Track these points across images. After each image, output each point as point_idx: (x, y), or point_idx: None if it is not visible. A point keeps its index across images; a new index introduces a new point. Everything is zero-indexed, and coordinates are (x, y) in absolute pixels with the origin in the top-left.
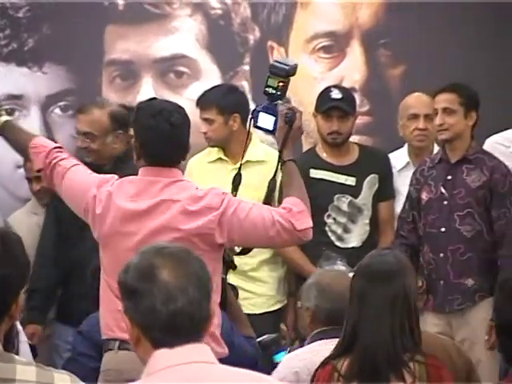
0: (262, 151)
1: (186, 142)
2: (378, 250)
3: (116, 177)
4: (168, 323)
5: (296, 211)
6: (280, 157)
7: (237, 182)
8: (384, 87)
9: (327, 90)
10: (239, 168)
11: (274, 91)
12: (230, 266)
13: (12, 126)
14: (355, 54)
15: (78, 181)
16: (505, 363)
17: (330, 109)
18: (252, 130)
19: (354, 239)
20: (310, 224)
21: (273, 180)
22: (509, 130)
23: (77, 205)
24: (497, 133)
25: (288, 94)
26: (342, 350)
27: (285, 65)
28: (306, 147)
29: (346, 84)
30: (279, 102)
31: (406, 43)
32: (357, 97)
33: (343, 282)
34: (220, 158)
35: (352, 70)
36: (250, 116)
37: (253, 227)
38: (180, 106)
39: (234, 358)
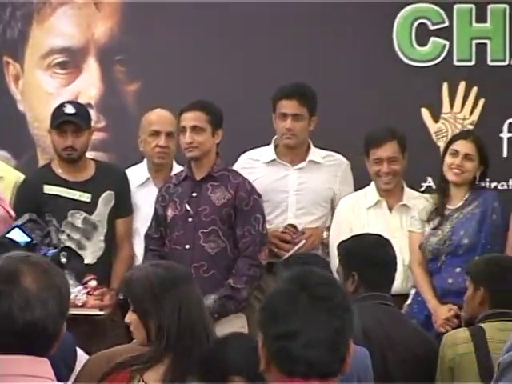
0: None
1: None
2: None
3: None
4: (21, 331)
5: None
6: None
7: None
8: (120, 103)
9: (61, 105)
10: None
11: None
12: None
13: None
14: (91, 69)
15: None
16: None
17: (63, 123)
18: None
19: (89, 256)
20: None
21: None
22: (264, 147)
23: None
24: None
25: (23, 109)
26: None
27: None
28: (41, 163)
29: (81, 100)
30: None
31: (141, 59)
32: (93, 113)
33: None
34: None
35: (88, 85)
36: None
37: None
38: None
39: None
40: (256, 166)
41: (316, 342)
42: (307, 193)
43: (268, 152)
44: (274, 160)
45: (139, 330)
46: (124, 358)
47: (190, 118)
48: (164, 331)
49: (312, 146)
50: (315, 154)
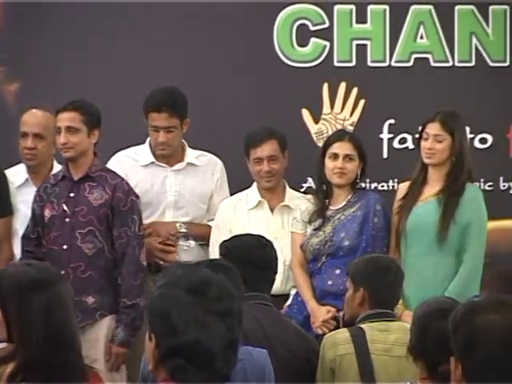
0: None
1: None
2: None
3: None
4: None
5: None
6: None
7: None
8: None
9: None
10: None
11: None
12: None
13: None
14: None
15: None
16: None
17: None
18: None
19: None
20: None
21: None
22: (140, 145)
23: None
24: None
25: None
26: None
27: None
28: None
29: None
30: None
31: (21, 59)
32: None
33: None
34: None
35: None
36: None
37: None
38: None
39: None
40: (134, 166)
41: (212, 357)
42: (185, 194)
43: (145, 154)
44: (153, 162)
45: (1, 327)
46: None
47: (64, 119)
48: (26, 342)
49: (187, 146)
50: (191, 155)
